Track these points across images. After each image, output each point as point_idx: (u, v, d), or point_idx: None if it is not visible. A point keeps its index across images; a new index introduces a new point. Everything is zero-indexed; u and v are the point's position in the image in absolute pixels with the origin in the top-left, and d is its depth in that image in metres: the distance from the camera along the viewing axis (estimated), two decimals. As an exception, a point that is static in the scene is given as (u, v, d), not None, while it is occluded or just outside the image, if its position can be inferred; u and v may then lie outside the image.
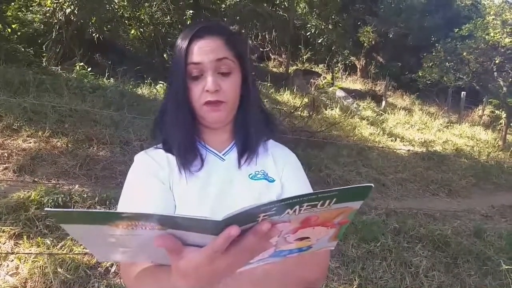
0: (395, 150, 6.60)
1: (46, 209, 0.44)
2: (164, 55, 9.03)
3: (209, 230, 0.45)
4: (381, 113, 9.44)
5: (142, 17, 9.43)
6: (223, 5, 10.20)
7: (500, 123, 10.22)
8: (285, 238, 0.52)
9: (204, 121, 0.82)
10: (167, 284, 0.55)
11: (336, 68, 13.56)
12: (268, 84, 9.02)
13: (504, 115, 9.54)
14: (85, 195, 3.03)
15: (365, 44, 12.95)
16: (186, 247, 0.48)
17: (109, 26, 8.77)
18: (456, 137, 8.83)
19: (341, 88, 10.47)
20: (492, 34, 8.72)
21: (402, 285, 2.72)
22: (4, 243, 2.41)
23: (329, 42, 12.60)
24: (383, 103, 10.72)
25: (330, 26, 12.69)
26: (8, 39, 6.59)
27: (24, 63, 6.04)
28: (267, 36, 13.40)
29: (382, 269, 2.86)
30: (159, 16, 9.64)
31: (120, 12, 8.99)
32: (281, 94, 8.92)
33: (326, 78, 11.52)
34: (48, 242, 2.43)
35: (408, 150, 6.76)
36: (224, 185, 0.79)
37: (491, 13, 9.20)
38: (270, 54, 13.71)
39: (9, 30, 6.63)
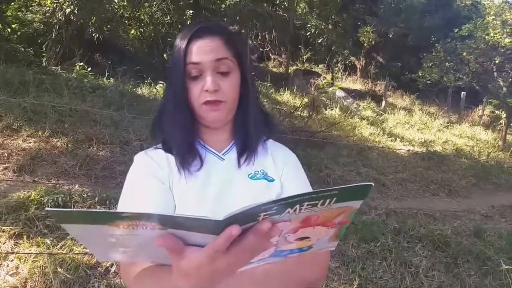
0: (395, 150, 6.60)
1: (46, 209, 0.44)
2: (164, 55, 9.03)
3: (210, 229, 0.45)
4: (381, 113, 9.44)
5: (142, 17, 9.43)
6: (223, 5, 10.19)
7: (500, 123, 10.23)
8: (286, 238, 0.52)
9: (204, 120, 0.82)
10: (168, 284, 0.55)
11: (336, 68, 13.56)
12: (268, 84, 9.02)
13: (504, 115, 9.54)
14: (85, 195, 3.03)
15: (365, 44, 12.95)
16: (187, 246, 0.48)
17: (109, 26, 8.77)
18: (456, 137, 8.83)
19: (341, 88, 10.47)
20: (492, 34, 8.72)
21: (402, 285, 2.72)
22: (4, 243, 2.41)
23: (329, 42, 12.60)
24: (383, 103, 10.72)
25: (330, 26, 12.69)
26: (8, 39, 6.59)
27: (24, 63, 6.04)
28: (267, 36, 13.40)
29: (382, 269, 2.86)
30: (159, 16, 9.64)
31: (120, 12, 8.98)
32: (281, 94, 8.92)
33: (326, 78, 11.52)
34: (48, 242, 2.43)
35: (408, 150, 6.76)
36: (223, 185, 0.79)
37: (491, 13, 9.20)
38: (270, 54, 13.71)
39: (9, 30, 6.62)
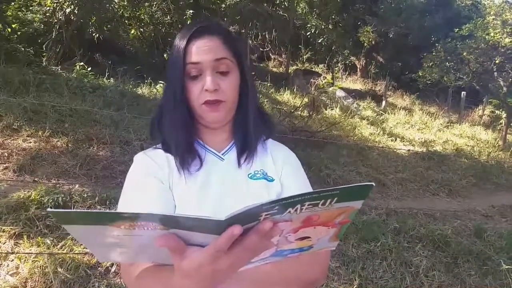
0: (395, 150, 6.60)
1: (48, 210, 0.44)
2: (164, 55, 9.02)
3: (212, 229, 0.45)
4: (381, 113, 9.44)
5: (142, 17, 9.43)
6: (223, 5, 10.18)
7: (500, 123, 10.22)
8: (286, 238, 0.52)
9: (203, 121, 0.82)
10: (169, 284, 0.55)
11: (336, 68, 13.56)
12: (268, 84, 9.01)
13: (504, 115, 9.54)
14: (85, 195, 3.03)
15: (365, 44, 12.94)
16: (189, 246, 0.48)
17: (109, 26, 8.77)
18: (456, 137, 8.83)
19: (341, 88, 10.46)
20: (492, 34, 8.71)
21: (402, 285, 2.72)
22: (4, 243, 2.41)
23: (329, 42, 12.59)
24: (383, 103, 10.71)
25: (330, 26, 12.68)
26: (8, 39, 6.58)
27: (24, 62, 6.04)
28: (267, 36, 13.39)
29: (382, 269, 2.86)
30: (159, 16, 9.64)
31: (120, 12, 8.98)
32: (281, 94, 8.92)
33: (326, 78, 11.51)
34: (48, 241, 2.43)
35: (408, 150, 6.76)
36: (223, 185, 0.79)
37: (491, 13, 9.19)
38: (270, 54, 13.71)
39: (9, 29, 6.62)
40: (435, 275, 2.87)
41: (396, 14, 12.68)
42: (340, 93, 9.92)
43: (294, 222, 0.49)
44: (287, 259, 0.58)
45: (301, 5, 12.37)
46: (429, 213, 4.24)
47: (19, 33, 6.91)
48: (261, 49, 13.48)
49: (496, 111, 11.69)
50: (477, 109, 12.58)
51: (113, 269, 2.36)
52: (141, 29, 9.56)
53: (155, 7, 9.31)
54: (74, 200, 2.94)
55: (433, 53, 9.99)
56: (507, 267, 2.96)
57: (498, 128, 10.36)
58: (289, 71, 12.21)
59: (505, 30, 8.56)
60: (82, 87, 5.78)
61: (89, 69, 6.59)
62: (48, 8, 7.12)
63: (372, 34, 12.65)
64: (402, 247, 3.19)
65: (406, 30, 12.76)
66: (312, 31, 12.05)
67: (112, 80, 6.71)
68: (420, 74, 10.37)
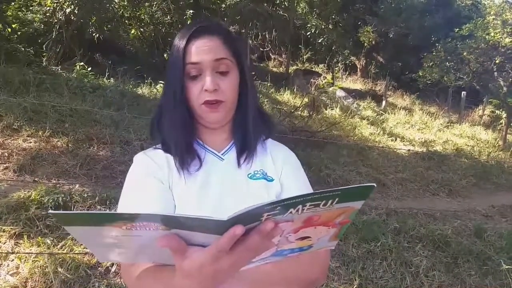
0: (395, 150, 6.60)
1: (49, 211, 0.44)
2: (164, 55, 9.01)
3: (213, 229, 0.45)
4: (381, 113, 9.44)
5: (142, 17, 9.43)
6: (223, 5, 10.19)
7: (501, 123, 10.22)
8: (287, 238, 0.52)
9: (203, 121, 0.82)
10: (170, 284, 0.55)
11: (336, 68, 13.56)
12: (268, 84, 9.01)
13: (504, 115, 9.54)
14: (86, 195, 3.03)
15: (365, 44, 12.94)
16: (190, 246, 0.48)
17: (109, 26, 8.76)
18: (456, 137, 8.83)
19: (341, 88, 10.46)
20: (492, 34, 8.71)
21: (402, 285, 2.72)
22: (5, 243, 2.42)
23: (329, 42, 12.59)
24: (383, 103, 10.71)
25: (330, 26, 12.68)
26: (8, 39, 6.59)
27: (24, 62, 6.04)
28: (267, 36, 13.39)
29: (382, 269, 2.86)
30: (159, 16, 9.64)
31: (120, 11, 8.98)
32: (281, 94, 8.92)
33: (326, 78, 11.51)
34: (49, 241, 2.43)
35: (409, 150, 6.76)
36: (223, 184, 0.79)
37: (492, 13, 9.19)
38: (270, 54, 13.71)
39: (9, 29, 6.62)
40: (435, 275, 2.87)
41: (396, 14, 12.68)
42: (340, 93, 9.92)
43: (295, 222, 0.49)
44: (287, 258, 0.59)
45: (301, 5, 12.37)
46: (429, 213, 4.24)
47: (19, 33, 6.91)
48: (261, 49, 13.48)
49: (496, 111, 11.69)
50: (477, 109, 12.57)
51: (113, 269, 2.36)
52: (141, 29, 9.56)
53: (155, 7, 9.31)
54: (74, 200, 2.94)
55: (433, 53, 9.99)
56: (507, 267, 2.96)
57: (498, 128, 10.36)
58: (289, 71, 12.21)
59: (505, 30, 8.56)
60: (82, 87, 5.78)
61: (89, 69, 6.59)
62: (48, 8, 7.12)
63: (372, 34, 12.65)
64: (402, 247, 3.19)
65: (406, 30, 12.75)
66: (312, 31, 12.05)
67: (112, 80, 6.72)
68: (420, 74, 10.37)
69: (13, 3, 7.07)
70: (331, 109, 8.46)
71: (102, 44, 8.12)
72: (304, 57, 13.79)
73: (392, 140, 7.36)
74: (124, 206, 0.74)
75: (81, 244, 2.34)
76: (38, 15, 7.35)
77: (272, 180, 0.83)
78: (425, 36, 12.49)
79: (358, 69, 14.09)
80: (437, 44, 10.09)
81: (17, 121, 4.09)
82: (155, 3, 9.14)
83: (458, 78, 9.91)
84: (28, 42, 6.70)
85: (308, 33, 12.28)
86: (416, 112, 10.31)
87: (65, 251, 2.39)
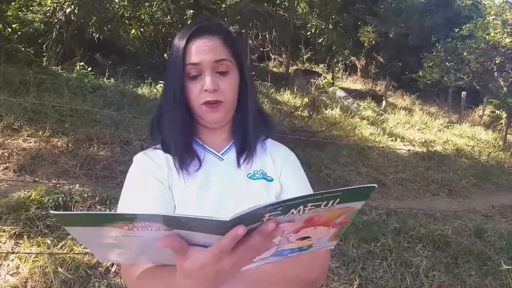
0: (395, 150, 6.60)
1: (50, 212, 0.44)
2: (165, 55, 9.02)
3: (215, 230, 0.45)
4: (382, 113, 9.44)
5: (143, 17, 9.43)
6: (223, 5, 10.19)
7: (501, 123, 10.22)
8: (287, 238, 0.52)
9: (203, 121, 0.82)
10: (171, 284, 0.55)
11: (336, 68, 13.55)
12: (268, 84, 9.02)
13: (504, 115, 9.54)
14: (86, 195, 3.03)
15: (365, 44, 12.94)
16: (191, 247, 0.49)
17: (109, 26, 8.77)
18: (456, 137, 8.83)
19: (342, 88, 10.46)
20: (492, 34, 8.71)
21: (402, 285, 2.72)
22: (5, 243, 2.42)
23: (329, 42, 12.59)
24: (384, 103, 10.71)
25: (330, 26, 12.68)
26: (9, 39, 6.59)
27: (24, 62, 6.04)
28: (267, 36, 13.39)
29: (382, 269, 2.86)
30: (159, 16, 9.64)
31: (121, 11, 8.98)
32: (281, 94, 8.92)
33: (326, 78, 11.51)
34: (49, 241, 2.43)
35: (409, 150, 6.76)
36: (223, 185, 0.79)
37: (492, 13, 9.19)
38: (270, 54, 13.71)
39: (10, 29, 6.62)
40: (435, 275, 2.87)
41: (396, 14, 12.68)
42: (340, 93, 9.92)
43: (296, 222, 0.49)
44: (287, 258, 0.59)
45: (301, 5, 12.37)
46: (429, 213, 4.23)
47: (19, 33, 6.92)
48: (261, 49, 13.48)
49: (496, 111, 11.69)
50: (477, 109, 12.57)
51: (113, 269, 2.36)
52: (141, 29, 9.56)
53: (155, 7, 9.32)
54: (75, 200, 2.94)
55: (433, 53, 9.99)
56: (507, 267, 2.96)
57: (498, 128, 10.36)
58: (289, 71, 12.21)
59: (505, 30, 8.56)
60: (82, 87, 5.78)
61: (89, 69, 6.59)
62: (48, 8, 7.12)
63: (372, 34, 12.65)
64: (402, 247, 3.19)
65: (406, 30, 12.76)
66: (312, 31, 12.05)
67: (112, 80, 6.72)
68: (420, 74, 10.37)
69: (13, 3, 7.07)
70: (331, 109, 8.46)
71: (102, 44, 8.12)
72: (304, 57, 13.79)
73: (392, 140, 7.36)
74: (124, 206, 0.74)
75: (81, 244, 2.34)
76: (38, 15, 7.35)
77: (271, 180, 0.83)
78: (425, 36, 12.49)
79: (358, 69, 14.09)
80: (437, 44, 10.09)
81: (17, 121, 4.09)
82: (155, 3, 9.14)
83: (458, 78, 9.91)
84: (28, 42, 6.71)
85: (308, 33, 12.28)
86: (416, 112, 10.31)
87: (65, 251, 2.39)
